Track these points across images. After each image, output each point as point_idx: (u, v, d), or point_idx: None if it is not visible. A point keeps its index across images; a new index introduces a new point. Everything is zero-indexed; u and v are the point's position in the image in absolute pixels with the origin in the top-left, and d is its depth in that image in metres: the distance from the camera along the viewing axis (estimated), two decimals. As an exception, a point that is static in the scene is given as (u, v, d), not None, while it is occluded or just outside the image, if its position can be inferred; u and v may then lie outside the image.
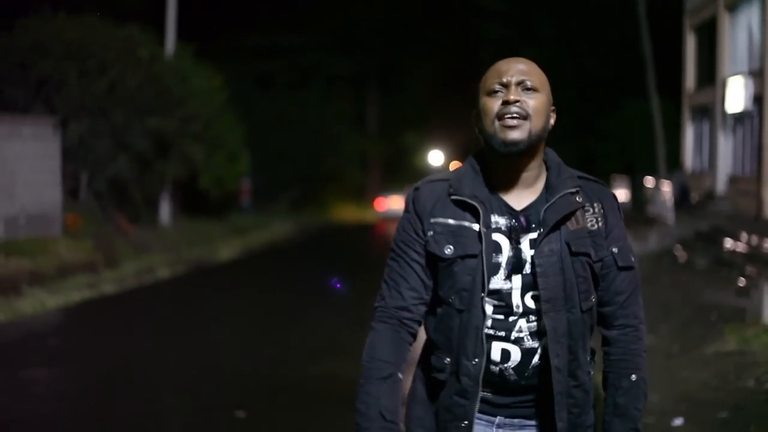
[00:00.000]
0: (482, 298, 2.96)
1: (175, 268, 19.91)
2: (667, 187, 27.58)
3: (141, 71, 22.91)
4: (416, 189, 3.11)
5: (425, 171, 49.82)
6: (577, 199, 3.02)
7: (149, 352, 11.13)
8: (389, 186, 49.29)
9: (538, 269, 2.95)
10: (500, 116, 2.95)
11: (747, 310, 12.66)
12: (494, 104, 2.97)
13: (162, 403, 8.98)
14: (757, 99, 26.22)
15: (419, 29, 52.14)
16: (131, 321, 13.72)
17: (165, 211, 26.30)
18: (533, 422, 3.07)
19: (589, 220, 3.03)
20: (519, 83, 2.98)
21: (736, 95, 27.67)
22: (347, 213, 46.33)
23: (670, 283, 16.50)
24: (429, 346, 3.14)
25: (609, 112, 41.11)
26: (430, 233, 3.02)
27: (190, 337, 12.25)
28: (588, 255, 2.99)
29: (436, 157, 57.91)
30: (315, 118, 42.80)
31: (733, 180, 29.16)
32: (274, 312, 14.30)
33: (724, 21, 30.22)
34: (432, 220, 3.03)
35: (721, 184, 30.21)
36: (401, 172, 53.51)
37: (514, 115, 2.94)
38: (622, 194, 34.77)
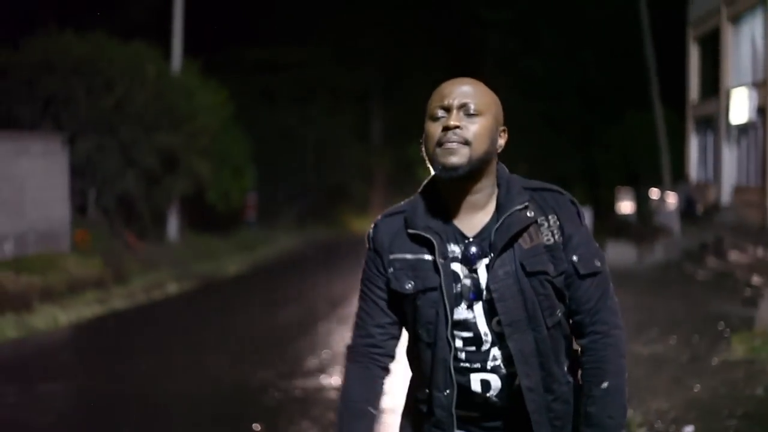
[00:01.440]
0: (447, 329, 2.92)
1: (184, 284, 20.02)
2: (672, 199, 27.67)
3: (148, 88, 23.04)
4: (375, 225, 3.09)
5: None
6: (528, 214, 2.95)
7: (163, 367, 11.23)
8: (394, 199, 49.28)
9: (494, 294, 2.90)
10: (440, 143, 2.91)
11: (754, 320, 12.74)
12: (436, 130, 2.93)
13: (178, 417, 9.08)
14: (761, 110, 26.32)
15: (422, 42, 52.29)
16: (143, 336, 13.83)
17: (173, 226, 26.41)
18: None
19: (544, 234, 2.96)
20: (461, 107, 2.93)
21: (740, 106, 27.78)
22: (353, 226, 46.46)
23: (676, 293, 16.58)
24: (412, 378, 3.16)
25: (612, 123, 41.20)
26: (390, 270, 3.00)
27: (202, 351, 12.35)
28: (545, 273, 2.93)
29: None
30: (319, 132, 42.90)
31: (738, 191, 29.24)
32: (284, 325, 14.41)
33: (728, 32, 30.34)
34: (391, 257, 3.01)
35: (726, 195, 30.28)
36: (406, 184, 53.60)
37: (453, 143, 2.89)
38: (626, 206, 34.86)
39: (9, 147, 18.86)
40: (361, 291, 3.11)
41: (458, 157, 2.89)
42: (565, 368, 3.02)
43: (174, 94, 24.20)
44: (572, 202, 3.03)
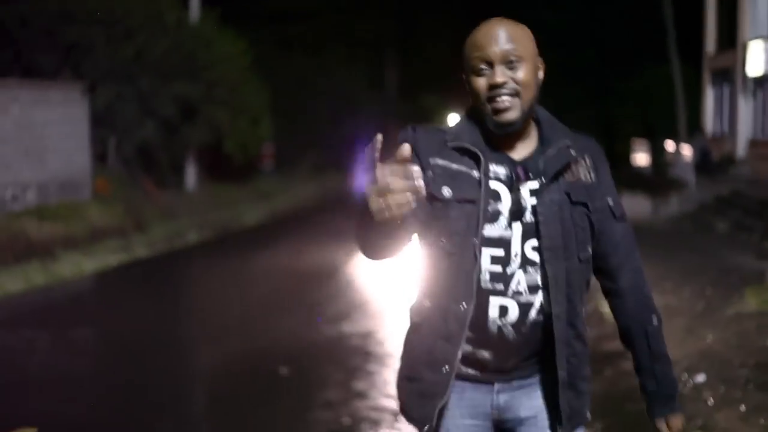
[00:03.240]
0: (475, 243, 2.90)
1: (203, 232, 20.26)
2: (687, 151, 27.75)
3: (167, 37, 23.19)
4: (413, 129, 3.02)
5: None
6: (572, 152, 2.99)
7: (188, 313, 11.50)
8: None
9: (540, 218, 2.91)
10: (490, 99, 2.89)
11: (767, 272, 12.92)
12: (482, 85, 2.91)
13: (205, 362, 9.33)
14: (778, 63, 26.33)
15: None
16: (168, 283, 14.10)
17: (191, 175, 26.64)
18: (531, 380, 3.05)
19: (582, 173, 3.00)
20: (502, 59, 2.88)
21: (757, 59, 27.78)
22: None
23: (691, 246, 16.74)
24: (414, 289, 3.10)
25: (629, 77, 41.16)
26: (429, 173, 2.93)
27: (226, 298, 12.59)
28: (586, 205, 2.98)
29: (455, 120, 57.90)
30: (335, 82, 42.93)
31: (753, 144, 29.29)
32: (304, 273, 14.61)
33: (745, -16, 30.24)
34: (431, 161, 2.95)
35: (741, 148, 30.33)
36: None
37: (504, 95, 2.88)
38: (642, 158, 34.94)
39: (30, 96, 19.05)
40: None
41: (512, 112, 2.88)
42: (584, 310, 3.04)
43: (193, 44, 24.34)
44: (603, 152, 3.12)
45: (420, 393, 3.00)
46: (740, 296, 11.76)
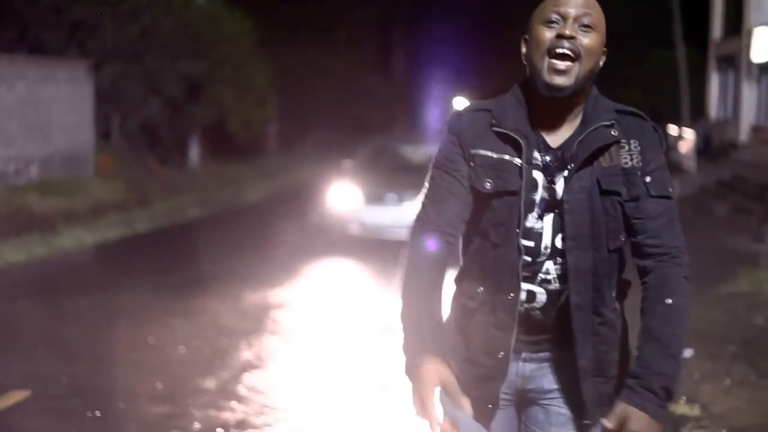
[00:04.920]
0: (517, 234, 2.88)
1: (205, 209, 20.35)
2: (690, 135, 27.80)
3: (173, 16, 23.26)
4: (459, 115, 2.99)
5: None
6: (612, 132, 2.90)
7: (186, 284, 11.54)
8: (416, 131, 49.49)
9: (565, 206, 2.86)
10: (551, 50, 2.83)
11: (761, 255, 13.04)
12: (548, 35, 2.84)
13: (204, 328, 9.40)
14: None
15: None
16: (167, 256, 14.23)
17: (194, 153, 26.76)
18: (557, 354, 2.99)
19: (623, 157, 2.90)
20: (577, 18, 2.84)
21: (762, 45, 27.79)
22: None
23: (691, 228, 16.67)
24: (462, 272, 3.07)
25: (635, 62, 41.15)
26: (471, 164, 2.92)
27: (226, 269, 12.61)
28: (618, 194, 2.88)
29: (461, 104, 57.96)
30: (341, 64, 42.97)
31: (756, 129, 29.32)
32: (302, 250, 14.66)
33: (752, -30, 30.23)
34: (472, 152, 2.92)
35: (744, 134, 30.36)
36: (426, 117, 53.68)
37: (566, 52, 2.82)
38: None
39: (36, 73, 19.16)
40: (440, 170, 2.96)
41: (566, 77, 2.83)
42: (614, 294, 2.97)
43: (199, 23, 24.41)
44: (654, 129, 3.00)
45: (480, 376, 2.97)
46: (734, 276, 11.88)
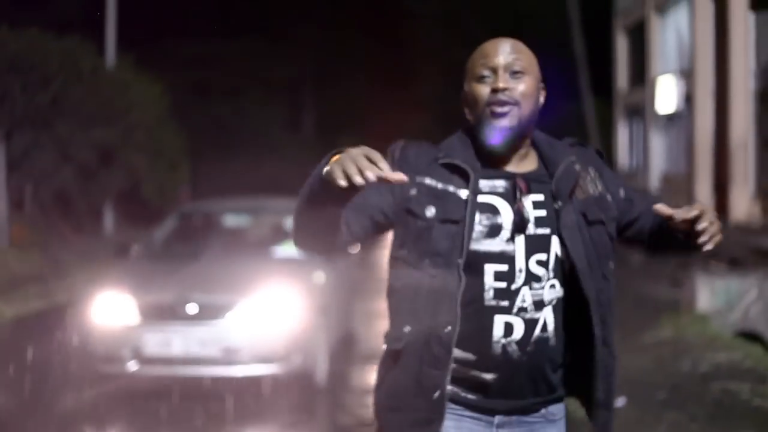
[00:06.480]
0: (459, 264, 2.85)
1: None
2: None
3: (83, 83, 23.09)
4: (403, 146, 3.01)
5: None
6: (576, 168, 3.01)
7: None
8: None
9: (567, 243, 2.90)
10: (489, 104, 2.91)
11: (681, 301, 13.23)
12: (483, 91, 2.92)
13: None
14: (688, 98, 26.79)
15: (353, 35, 52.45)
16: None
17: (109, 220, 26.50)
18: (534, 417, 2.98)
19: (590, 186, 3.02)
20: (507, 67, 2.93)
21: (668, 94, 28.26)
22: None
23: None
24: (393, 315, 2.99)
25: (542, 113, 41.71)
26: (413, 192, 2.91)
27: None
28: (602, 222, 3.00)
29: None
30: (252, 124, 42.98)
31: (666, 178, 29.76)
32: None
33: (654, 22, 30.82)
34: (418, 179, 2.92)
35: (654, 182, 30.80)
36: (340, 176, 53.68)
37: (504, 100, 2.90)
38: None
39: (-54, 143, 18.88)
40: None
41: (509, 119, 2.91)
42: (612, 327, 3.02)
43: (109, 89, 24.27)
44: (597, 151, 3.18)
45: (412, 422, 2.89)
46: (656, 323, 12.05)
